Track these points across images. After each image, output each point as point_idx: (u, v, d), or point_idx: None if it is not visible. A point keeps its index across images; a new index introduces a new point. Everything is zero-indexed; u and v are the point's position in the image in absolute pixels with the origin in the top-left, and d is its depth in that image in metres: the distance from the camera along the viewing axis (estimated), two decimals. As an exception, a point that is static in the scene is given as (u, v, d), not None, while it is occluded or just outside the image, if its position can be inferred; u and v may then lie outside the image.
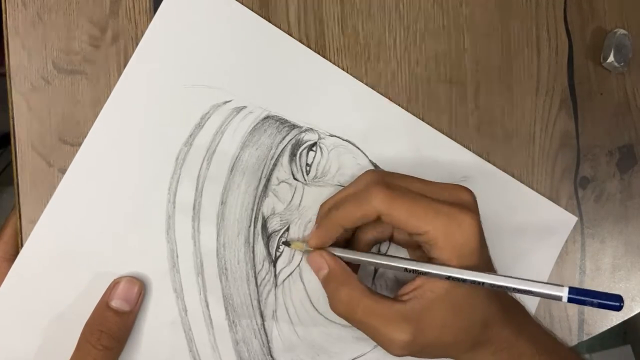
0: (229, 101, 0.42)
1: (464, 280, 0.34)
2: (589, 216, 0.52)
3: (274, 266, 0.42)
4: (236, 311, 0.41)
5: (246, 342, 0.41)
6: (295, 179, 0.43)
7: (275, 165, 0.42)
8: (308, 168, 0.43)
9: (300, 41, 0.44)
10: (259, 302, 0.41)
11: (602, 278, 0.52)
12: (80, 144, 0.39)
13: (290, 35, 0.44)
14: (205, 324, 0.40)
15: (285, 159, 0.43)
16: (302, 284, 0.42)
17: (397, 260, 0.38)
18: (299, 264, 0.42)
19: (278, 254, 0.42)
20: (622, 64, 0.51)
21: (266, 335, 0.41)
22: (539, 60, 0.51)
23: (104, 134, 0.39)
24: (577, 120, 0.52)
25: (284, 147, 0.43)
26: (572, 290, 0.31)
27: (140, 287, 0.39)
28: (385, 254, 0.43)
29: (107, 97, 0.40)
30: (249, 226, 0.41)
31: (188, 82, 0.41)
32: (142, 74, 0.40)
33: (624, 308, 0.52)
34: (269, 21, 0.43)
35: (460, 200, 0.37)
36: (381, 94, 0.46)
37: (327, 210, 0.40)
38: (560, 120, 0.51)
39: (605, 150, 0.52)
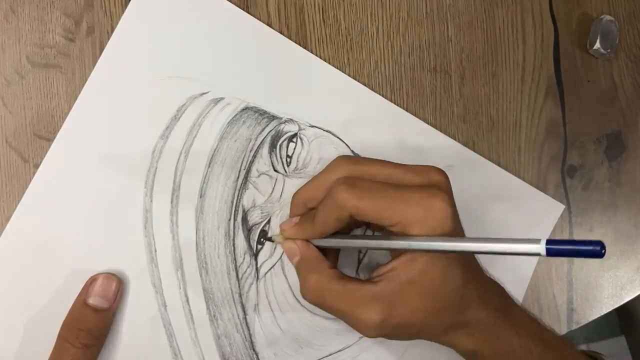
0: (205, 93, 0.41)
1: (431, 250, 0.34)
2: (576, 205, 0.51)
3: (255, 259, 0.41)
4: (217, 305, 0.40)
5: (228, 336, 0.41)
6: (275, 170, 0.42)
7: (254, 157, 0.42)
8: (289, 159, 0.43)
9: (281, 32, 0.44)
10: (240, 295, 0.41)
11: (591, 267, 0.52)
12: (55, 139, 0.39)
13: (270, 25, 0.43)
14: (185, 319, 0.40)
15: (265, 150, 0.42)
16: (284, 276, 0.42)
17: (365, 240, 0.37)
18: (280, 257, 0.42)
19: (259, 247, 0.41)
20: (608, 50, 0.51)
21: (248, 329, 0.41)
22: (525, 47, 0.50)
23: (78, 127, 0.39)
24: (563, 107, 0.51)
25: (263, 139, 0.42)
26: (549, 242, 0.29)
27: (118, 283, 0.38)
28: (353, 235, 0.42)
29: (83, 90, 0.39)
30: (229, 219, 0.41)
31: (163, 73, 0.40)
32: (116, 66, 0.39)
33: (614, 297, 0.52)
34: (248, 11, 0.43)
35: (430, 182, 0.36)
36: (364, 84, 0.45)
37: (302, 205, 0.40)
38: (546, 108, 0.51)
39: (592, 137, 0.52)
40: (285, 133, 0.43)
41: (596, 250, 0.28)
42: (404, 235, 0.35)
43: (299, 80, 0.43)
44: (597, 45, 0.50)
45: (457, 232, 0.35)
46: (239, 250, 0.41)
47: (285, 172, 0.42)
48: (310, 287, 0.37)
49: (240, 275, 0.41)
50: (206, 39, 0.41)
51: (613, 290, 0.52)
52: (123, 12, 0.40)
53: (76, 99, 0.39)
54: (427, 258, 0.35)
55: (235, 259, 0.41)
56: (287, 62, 0.43)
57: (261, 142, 0.42)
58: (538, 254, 0.29)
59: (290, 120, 0.43)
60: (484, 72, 0.49)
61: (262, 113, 0.42)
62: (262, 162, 0.42)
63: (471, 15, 0.49)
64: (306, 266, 0.38)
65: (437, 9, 0.48)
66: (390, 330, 0.36)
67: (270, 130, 0.42)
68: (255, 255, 0.41)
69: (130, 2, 0.40)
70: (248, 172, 0.41)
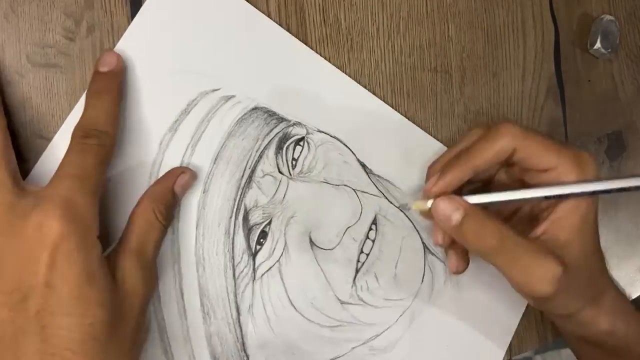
0: (217, 89, 0.41)
1: (598, 192, 0.36)
2: (577, 205, 0.51)
3: (253, 259, 0.41)
4: (211, 303, 0.40)
5: (220, 335, 0.40)
6: (280, 172, 0.42)
7: (260, 157, 0.42)
8: (294, 162, 0.43)
9: (281, 31, 0.44)
10: (235, 295, 0.41)
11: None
12: (56, 139, 0.39)
13: (270, 24, 0.43)
14: (178, 314, 0.39)
15: (271, 151, 0.42)
16: (280, 280, 0.42)
17: (534, 190, 0.37)
18: (278, 259, 0.42)
19: (258, 247, 0.41)
20: (609, 50, 0.51)
21: (241, 330, 0.41)
22: (525, 47, 0.50)
23: None
24: (564, 107, 0.51)
25: (270, 140, 0.42)
26: None
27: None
28: (514, 188, 0.39)
29: (83, 90, 0.39)
30: (230, 217, 0.41)
31: (176, 67, 0.40)
32: (129, 57, 0.39)
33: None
34: (248, 10, 0.43)
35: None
36: (364, 84, 0.45)
37: (447, 161, 0.40)
38: (547, 107, 0.51)
39: (593, 137, 0.52)
40: (293, 136, 0.43)
41: None
42: (558, 182, 0.36)
43: (311, 85, 0.43)
44: (598, 45, 0.50)
45: None
46: (238, 249, 0.41)
47: (290, 174, 0.42)
48: (493, 232, 0.35)
49: (237, 275, 0.41)
50: (221, 37, 0.41)
51: (614, 291, 0.52)
52: (124, 12, 0.40)
53: (76, 98, 0.39)
54: (587, 204, 0.36)
55: (233, 258, 0.41)
56: (300, 65, 0.43)
57: (268, 143, 0.42)
58: None
59: (299, 124, 0.43)
60: (485, 71, 0.49)
61: (271, 114, 0.42)
62: (268, 163, 0.42)
63: (472, 15, 0.49)
64: (478, 215, 0.36)
65: (438, 9, 0.48)
66: (566, 284, 0.35)
67: (278, 132, 0.42)
68: (253, 255, 0.41)
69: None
70: (253, 171, 0.41)
